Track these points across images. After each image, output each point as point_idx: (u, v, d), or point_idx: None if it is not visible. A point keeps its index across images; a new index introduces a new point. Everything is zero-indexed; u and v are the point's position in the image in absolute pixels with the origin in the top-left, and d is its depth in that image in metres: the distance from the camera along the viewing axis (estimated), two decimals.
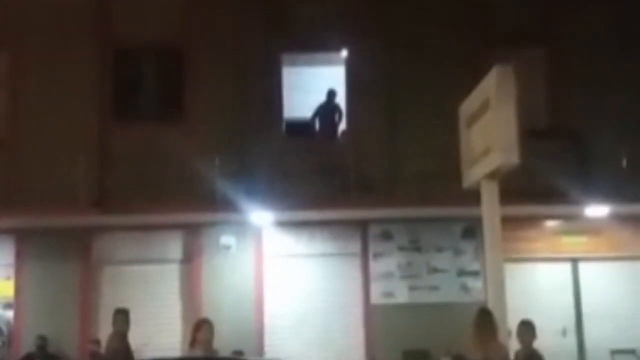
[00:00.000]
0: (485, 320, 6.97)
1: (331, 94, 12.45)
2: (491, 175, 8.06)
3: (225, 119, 11.56)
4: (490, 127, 7.89)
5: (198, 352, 6.92)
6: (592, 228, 11.66)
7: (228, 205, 10.70)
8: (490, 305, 7.85)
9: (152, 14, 11.78)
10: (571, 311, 11.55)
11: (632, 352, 11.04)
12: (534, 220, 11.70)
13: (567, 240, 11.84)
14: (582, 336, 11.40)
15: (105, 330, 9.73)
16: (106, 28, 11.81)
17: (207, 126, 11.53)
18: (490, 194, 8.22)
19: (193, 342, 7.02)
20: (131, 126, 11.59)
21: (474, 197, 8.89)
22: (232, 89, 11.63)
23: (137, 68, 11.91)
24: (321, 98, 12.52)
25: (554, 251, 11.78)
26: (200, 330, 7.07)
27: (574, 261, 11.80)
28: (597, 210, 11.10)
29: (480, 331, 6.84)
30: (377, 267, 11.68)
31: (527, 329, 7.04)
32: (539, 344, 7.08)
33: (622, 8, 11.68)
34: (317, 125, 12.58)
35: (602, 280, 11.69)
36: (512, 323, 7.39)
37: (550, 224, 11.87)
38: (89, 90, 11.60)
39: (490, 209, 8.22)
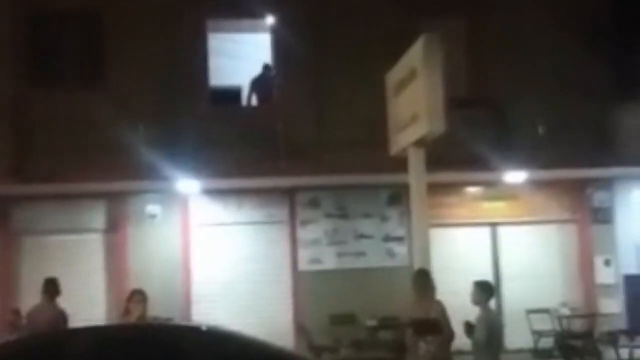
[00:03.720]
0: (424, 280, 7.28)
1: (266, 68, 12.28)
2: (418, 143, 8.26)
3: (149, 85, 11.28)
4: (417, 95, 8.07)
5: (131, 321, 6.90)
6: (511, 193, 12.10)
7: (153, 173, 10.54)
8: (416, 267, 8.12)
9: None
10: (490, 273, 11.99)
11: (546, 311, 11.59)
12: (455, 187, 12.03)
13: (486, 205, 12.26)
14: (501, 297, 11.87)
15: (26, 301, 9.53)
16: None
17: (130, 93, 11.23)
18: (417, 161, 8.43)
19: (126, 312, 6.98)
20: (50, 93, 11.19)
21: (399, 164, 9.10)
22: (156, 55, 11.36)
23: (56, 33, 11.49)
24: (248, 65, 12.39)
25: (474, 216, 12.17)
26: (131, 300, 7.04)
27: (493, 225, 12.24)
28: (515, 176, 11.50)
29: (420, 290, 7.12)
30: (304, 234, 11.79)
31: (482, 289, 7.11)
32: (460, 305, 7.21)
33: None
34: (254, 100, 12.44)
35: (519, 243, 12.19)
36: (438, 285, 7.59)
37: (471, 190, 12.25)
38: (3, 56, 11.11)
39: (416, 176, 8.45)
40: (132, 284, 9.58)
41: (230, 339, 5.58)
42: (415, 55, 8.16)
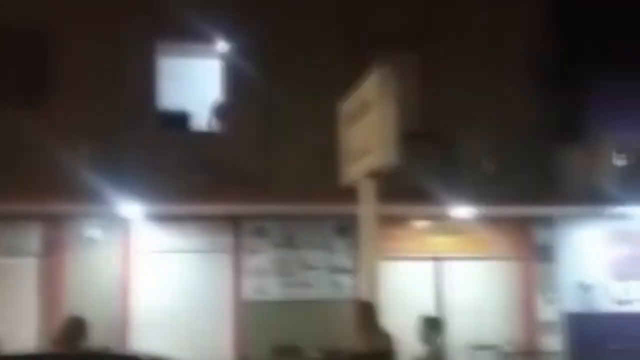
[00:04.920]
0: (367, 311, 7.08)
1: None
2: (370, 174, 8.18)
3: (93, 106, 10.98)
4: (370, 127, 8.01)
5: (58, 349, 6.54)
6: (457, 229, 12.15)
7: (94, 196, 10.16)
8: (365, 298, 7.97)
9: None
10: (434, 308, 11.95)
11: (492, 347, 11.60)
12: (401, 220, 12.00)
13: (432, 239, 12.27)
14: (447, 330, 11.81)
15: None
16: None
17: (73, 112, 10.89)
18: (367, 193, 8.34)
19: (58, 340, 6.63)
20: None
21: (348, 195, 9.00)
22: (102, 75, 11.09)
23: None
24: (198, 89, 12.17)
25: (420, 250, 12.15)
26: (63, 327, 6.71)
27: (439, 260, 12.25)
28: (462, 212, 11.57)
29: (363, 321, 6.92)
30: (250, 263, 11.56)
31: (430, 326, 7.02)
32: (404, 340, 7.11)
33: (495, 20, 12.24)
34: (214, 124, 12.20)
35: (465, 279, 12.22)
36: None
37: (417, 223, 12.25)
38: None
39: (367, 207, 8.34)
40: (68, 309, 9.19)
41: None
42: (369, 88, 8.11)
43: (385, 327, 7.16)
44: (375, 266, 8.38)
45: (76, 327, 6.90)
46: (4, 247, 10.94)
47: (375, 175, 8.12)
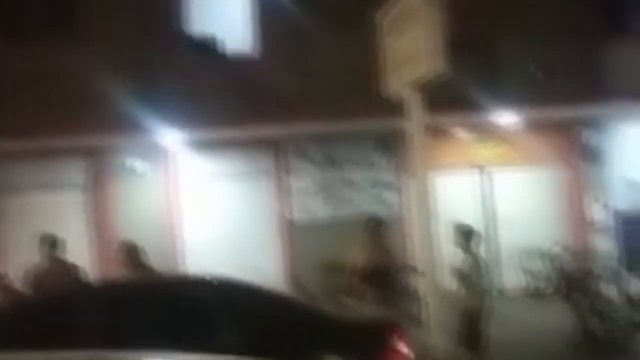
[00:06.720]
0: (375, 227, 7.08)
1: None
2: (416, 83, 7.96)
3: (125, 34, 10.76)
4: (416, 35, 7.72)
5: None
6: (502, 137, 11.95)
7: (134, 127, 10.12)
8: (416, 216, 7.92)
9: None
10: (482, 218, 11.89)
11: (543, 251, 11.52)
12: (444, 131, 11.80)
13: (477, 149, 12.11)
14: (497, 239, 11.85)
15: (11, 263, 9.10)
16: None
17: (106, 43, 10.69)
18: (414, 103, 8.14)
19: (128, 266, 6.71)
20: (22, 45, 10.58)
21: (387, 110, 8.79)
22: (131, 2, 10.83)
23: None
24: (229, 10, 11.85)
25: (465, 160, 12.03)
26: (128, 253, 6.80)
27: (484, 169, 12.13)
28: (506, 118, 11.32)
29: (369, 237, 6.92)
30: (293, 184, 11.55)
31: (462, 234, 7.12)
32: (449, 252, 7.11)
33: None
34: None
35: (512, 187, 12.10)
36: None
37: (462, 134, 12.04)
38: None
39: (415, 118, 8.16)
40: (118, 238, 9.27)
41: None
42: None
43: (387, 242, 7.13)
44: (426, 179, 8.27)
45: (136, 252, 6.95)
46: (48, 182, 11.02)
47: (422, 84, 7.90)
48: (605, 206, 12.13)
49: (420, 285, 6.43)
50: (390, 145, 11.18)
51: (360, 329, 5.13)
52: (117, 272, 7.03)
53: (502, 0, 11.43)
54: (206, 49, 11.57)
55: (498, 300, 10.44)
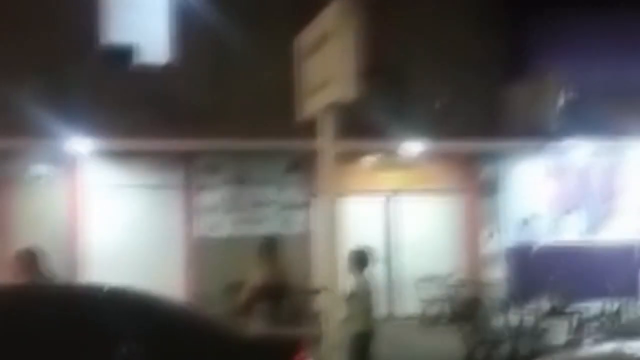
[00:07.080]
0: (270, 247, 7.23)
1: None
2: (329, 107, 8.15)
3: (36, 40, 10.54)
4: (330, 59, 7.93)
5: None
6: (409, 164, 12.33)
7: (40, 132, 9.86)
8: (322, 238, 8.06)
9: None
10: (384, 243, 12.19)
11: (437, 279, 11.92)
12: (353, 155, 12.07)
13: (381, 175, 12.44)
14: (398, 265, 12.17)
15: None
16: None
17: (17, 48, 10.45)
18: (326, 127, 8.32)
19: (19, 274, 6.49)
20: None
21: (300, 131, 8.95)
22: (44, 8, 10.61)
23: None
24: (145, 20, 11.77)
25: (370, 185, 12.32)
26: (22, 259, 6.59)
27: (387, 195, 12.49)
28: (411, 147, 11.71)
29: (264, 257, 7.08)
30: (201, 200, 11.49)
31: (355, 259, 7.27)
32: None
33: None
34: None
35: (412, 213, 12.49)
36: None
37: (368, 159, 12.36)
38: None
39: (326, 142, 8.34)
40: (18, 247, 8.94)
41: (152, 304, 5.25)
42: (328, 18, 7.97)
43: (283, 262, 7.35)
44: (334, 202, 8.43)
45: (35, 258, 6.75)
46: None
47: (335, 108, 8.10)
48: (498, 238, 12.68)
49: (321, 305, 6.56)
50: (302, 166, 11.31)
51: (261, 346, 5.15)
52: (14, 279, 6.78)
53: (414, 33, 11.90)
54: (121, 58, 11.43)
55: (393, 325, 10.78)
